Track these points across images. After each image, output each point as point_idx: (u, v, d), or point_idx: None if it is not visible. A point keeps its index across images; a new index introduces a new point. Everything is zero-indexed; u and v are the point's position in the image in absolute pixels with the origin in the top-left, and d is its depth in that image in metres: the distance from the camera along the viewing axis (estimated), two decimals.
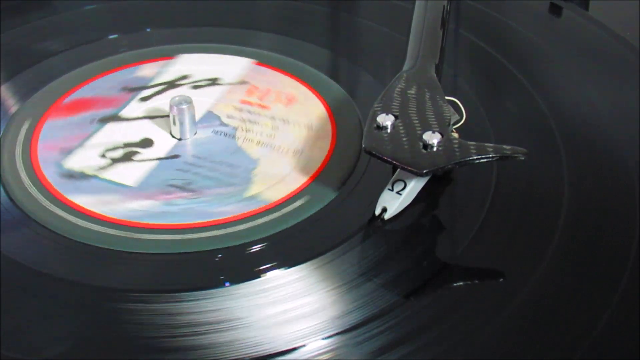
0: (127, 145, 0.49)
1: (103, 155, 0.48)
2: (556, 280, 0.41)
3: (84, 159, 0.47)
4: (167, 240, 0.43)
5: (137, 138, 0.49)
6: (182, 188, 0.46)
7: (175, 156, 0.48)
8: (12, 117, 0.51)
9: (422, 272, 0.41)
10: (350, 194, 0.46)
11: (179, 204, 0.45)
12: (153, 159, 0.48)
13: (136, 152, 0.48)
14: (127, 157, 0.48)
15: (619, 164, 0.47)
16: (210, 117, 0.51)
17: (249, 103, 0.52)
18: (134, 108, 0.51)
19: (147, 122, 0.50)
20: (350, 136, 0.49)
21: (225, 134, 0.50)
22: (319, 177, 0.47)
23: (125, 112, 0.51)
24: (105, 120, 0.50)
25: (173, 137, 0.49)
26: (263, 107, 0.52)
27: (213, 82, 0.54)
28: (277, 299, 0.40)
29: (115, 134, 0.49)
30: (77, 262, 0.42)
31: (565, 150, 0.48)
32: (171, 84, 0.53)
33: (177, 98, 0.49)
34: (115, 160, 0.47)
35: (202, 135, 0.50)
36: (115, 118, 0.50)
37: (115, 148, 0.48)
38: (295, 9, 0.62)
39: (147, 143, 0.49)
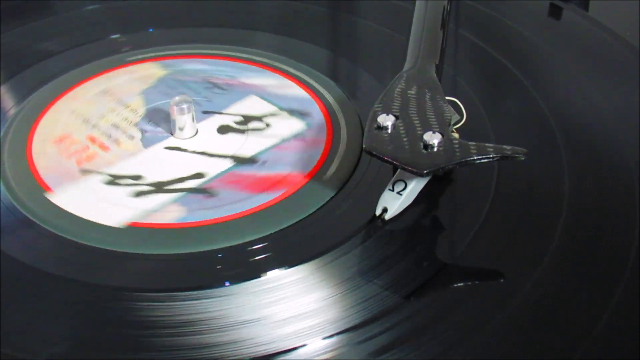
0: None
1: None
2: (556, 280, 0.40)
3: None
4: (167, 240, 0.43)
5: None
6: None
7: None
8: (12, 117, 0.51)
9: (422, 273, 0.41)
10: (351, 194, 0.46)
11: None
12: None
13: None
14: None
15: (619, 164, 0.47)
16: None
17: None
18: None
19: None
20: (350, 136, 0.49)
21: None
22: (319, 177, 0.47)
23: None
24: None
25: (181, 139, 0.50)
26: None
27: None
28: (277, 299, 0.40)
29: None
30: (77, 262, 0.42)
31: (565, 150, 0.48)
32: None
33: (177, 98, 0.49)
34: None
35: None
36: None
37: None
38: (295, 9, 0.62)
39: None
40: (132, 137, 0.50)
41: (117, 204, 0.45)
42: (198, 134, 0.50)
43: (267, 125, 0.51)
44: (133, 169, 0.47)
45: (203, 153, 0.49)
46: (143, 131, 0.50)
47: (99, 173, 0.47)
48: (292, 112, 0.51)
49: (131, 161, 0.48)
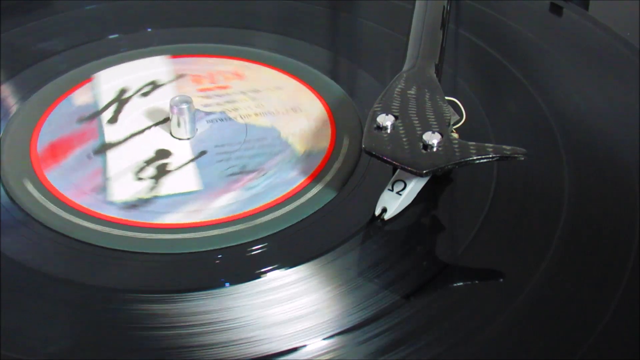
0: (148, 162, 0.48)
1: (139, 179, 0.47)
2: (556, 281, 0.40)
3: (125, 189, 0.46)
4: (167, 240, 0.43)
5: (150, 153, 0.48)
6: (243, 172, 0.47)
7: (203, 152, 0.48)
8: (12, 117, 0.51)
9: (422, 273, 0.41)
10: (351, 194, 0.46)
11: (257, 185, 0.46)
12: (187, 163, 0.48)
13: (165, 164, 0.48)
14: (163, 171, 0.47)
15: (619, 164, 0.47)
16: None
17: (208, 89, 0.53)
18: (112, 131, 0.50)
19: (141, 137, 0.50)
20: (350, 136, 0.49)
21: (221, 120, 0.50)
22: (319, 177, 0.47)
23: (109, 138, 0.50)
24: (100, 151, 0.49)
25: (179, 139, 0.49)
26: (223, 87, 0.52)
27: (154, 85, 0.54)
28: (277, 299, 0.40)
29: (124, 158, 0.48)
30: (77, 262, 0.42)
31: (565, 150, 0.48)
32: (120, 100, 0.52)
33: (177, 98, 0.49)
34: (156, 178, 0.47)
35: (202, 129, 0.50)
36: (107, 146, 0.49)
37: (141, 169, 0.47)
38: (295, 9, 0.62)
39: (164, 153, 0.48)
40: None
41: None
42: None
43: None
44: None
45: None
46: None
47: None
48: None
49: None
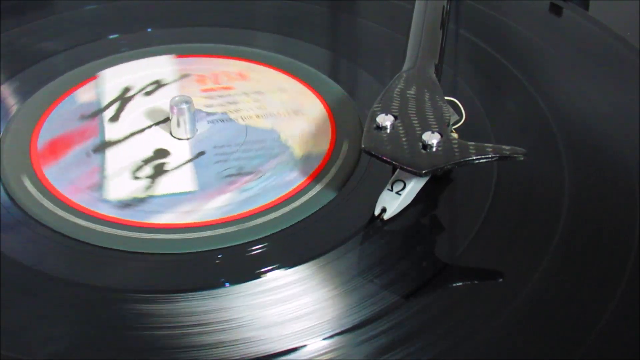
0: (146, 161, 0.48)
1: (136, 177, 0.47)
2: (556, 280, 0.40)
3: (121, 187, 0.46)
4: (167, 240, 0.43)
5: (149, 152, 0.48)
6: (240, 174, 0.46)
7: (201, 153, 0.48)
8: (12, 117, 0.51)
9: (422, 273, 0.41)
10: (350, 194, 0.46)
11: (252, 187, 0.45)
12: (184, 163, 0.48)
13: (163, 163, 0.48)
14: (160, 170, 0.47)
15: (619, 164, 0.47)
16: None
17: (212, 89, 0.53)
18: (113, 129, 0.50)
19: (141, 136, 0.50)
20: (350, 136, 0.49)
21: (222, 120, 0.50)
22: (319, 177, 0.47)
23: (110, 136, 0.50)
24: (99, 149, 0.49)
25: (179, 138, 0.49)
26: (226, 88, 0.52)
27: (158, 84, 0.54)
28: (277, 299, 0.40)
29: (123, 156, 0.48)
30: (77, 262, 0.42)
31: (565, 150, 0.48)
32: (123, 99, 0.52)
33: (176, 99, 0.49)
34: (152, 177, 0.47)
35: (203, 129, 0.50)
36: (106, 144, 0.49)
37: (139, 168, 0.47)
38: (295, 9, 0.62)
39: (163, 153, 0.48)
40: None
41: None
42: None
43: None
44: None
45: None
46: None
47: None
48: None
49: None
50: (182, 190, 0.46)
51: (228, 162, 0.47)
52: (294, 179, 0.46)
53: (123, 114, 0.51)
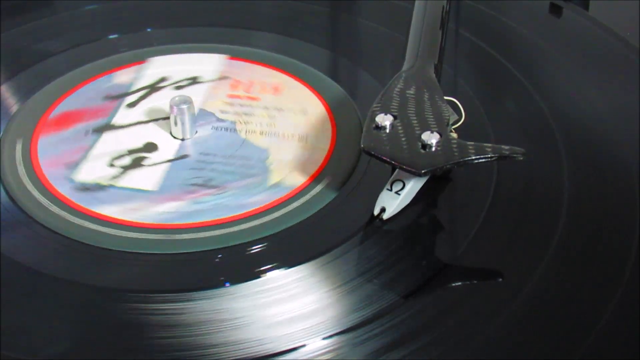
0: (132, 151, 0.48)
1: (112, 165, 0.47)
2: (556, 280, 0.40)
3: (93, 171, 0.47)
4: (167, 240, 0.43)
5: (139, 144, 0.49)
6: (204, 185, 0.46)
7: (185, 156, 0.48)
8: (12, 117, 0.51)
9: (421, 273, 0.41)
10: (350, 194, 0.46)
11: (207, 201, 0.45)
12: (163, 162, 0.48)
13: (144, 157, 0.48)
14: (137, 163, 0.47)
15: (619, 164, 0.47)
16: (204, 114, 0.51)
17: (237, 97, 0.52)
18: (124, 115, 0.51)
19: (143, 127, 0.50)
20: (350, 136, 0.49)
21: (226, 129, 0.50)
22: (319, 177, 0.47)
23: (117, 120, 0.50)
24: (99, 130, 0.49)
25: (175, 137, 0.49)
26: (252, 98, 0.52)
27: (193, 81, 0.54)
28: (277, 299, 0.40)
29: (115, 142, 0.49)
30: (77, 262, 0.42)
31: (565, 150, 0.48)
32: (152, 88, 0.53)
33: (177, 98, 0.49)
34: (126, 168, 0.47)
35: (203, 133, 0.50)
36: (108, 127, 0.50)
37: (121, 156, 0.48)
38: (295, 9, 0.62)
39: (151, 147, 0.49)
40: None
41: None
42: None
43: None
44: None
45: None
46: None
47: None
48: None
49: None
50: (141, 188, 0.46)
51: (202, 171, 0.47)
52: (251, 204, 0.45)
53: (143, 102, 0.51)
